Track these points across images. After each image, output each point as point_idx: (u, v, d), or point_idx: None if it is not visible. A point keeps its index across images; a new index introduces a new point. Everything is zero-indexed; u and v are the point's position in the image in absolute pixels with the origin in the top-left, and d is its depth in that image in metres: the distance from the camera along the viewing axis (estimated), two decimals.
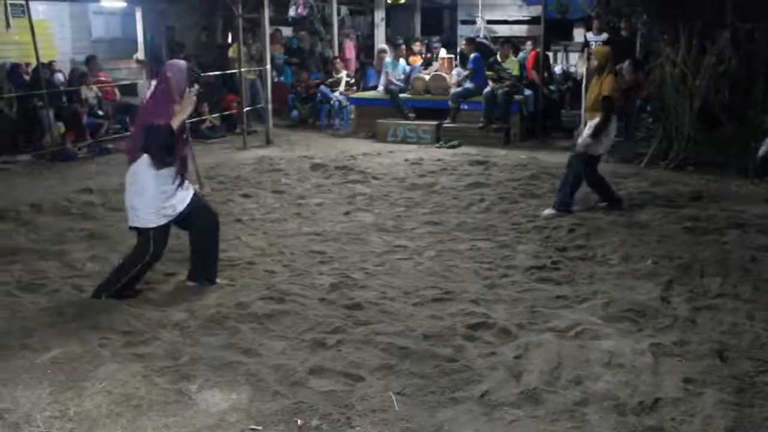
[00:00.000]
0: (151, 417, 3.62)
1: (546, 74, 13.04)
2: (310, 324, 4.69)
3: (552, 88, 13.08)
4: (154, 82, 5.12)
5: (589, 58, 11.51)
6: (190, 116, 11.91)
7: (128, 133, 11.57)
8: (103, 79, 12.40)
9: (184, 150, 5.16)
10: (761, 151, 8.46)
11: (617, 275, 5.58)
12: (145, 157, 4.89)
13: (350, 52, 15.47)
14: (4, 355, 4.24)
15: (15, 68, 11.54)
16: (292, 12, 15.96)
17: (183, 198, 5.11)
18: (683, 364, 4.10)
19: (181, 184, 5.10)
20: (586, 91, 12.04)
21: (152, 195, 4.95)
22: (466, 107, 11.97)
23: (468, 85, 11.96)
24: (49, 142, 10.50)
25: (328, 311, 4.90)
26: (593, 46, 12.98)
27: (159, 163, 4.90)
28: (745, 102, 9.32)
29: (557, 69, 14.69)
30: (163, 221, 5.03)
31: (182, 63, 5.16)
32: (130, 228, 5.11)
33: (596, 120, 7.15)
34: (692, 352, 4.22)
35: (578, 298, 5.13)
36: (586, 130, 7.26)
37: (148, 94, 5.11)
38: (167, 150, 4.91)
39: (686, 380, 3.88)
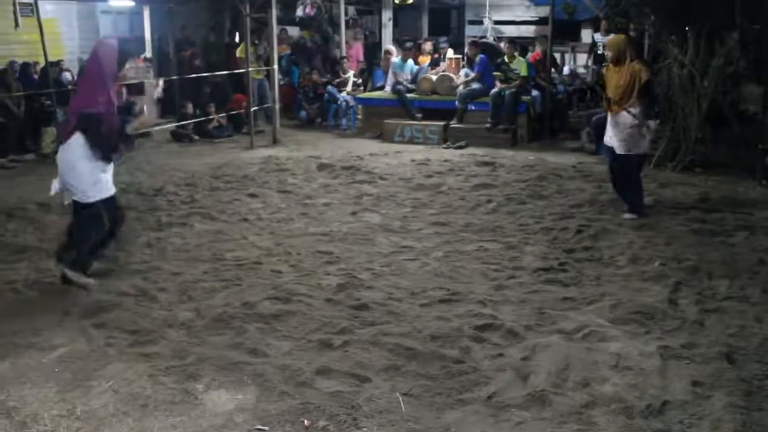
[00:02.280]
0: (158, 416, 3.62)
1: (556, 73, 13.03)
2: (316, 324, 4.68)
3: (560, 88, 13.05)
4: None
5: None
6: (197, 115, 11.89)
7: None
8: None
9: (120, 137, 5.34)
10: None
11: (625, 277, 5.55)
12: (76, 137, 5.06)
13: (357, 52, 15.46)
14: (11, 354, 4.26)
15: (25, 68, 11.58)
16: (299, 12, 15.99)
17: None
18: (691, 366, 4.08)
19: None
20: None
21: (88, 170, 5.13)
22: (473, 108, 11.95)
23: (475, 85, 11.94)
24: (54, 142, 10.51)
25: (335, 312, 4.89)
26: (600, 47, 13.02)
27: (104, 158, 5.14)
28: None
29: (565, 69, 14.68)
30: (102, 195, 5.24)
31: (112, 42, 5.26)
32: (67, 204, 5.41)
33: (636, 110, 6.81)
34: (700, 355, 4.20)
35: (586, 299, 5.11)
36: (630, 124, 6.86)
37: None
38: (109, 145, 5.11)
39: (694, 383, 3.86)
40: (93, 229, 5.32)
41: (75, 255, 5.31)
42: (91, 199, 5.21)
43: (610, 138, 7.14)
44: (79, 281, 5.27)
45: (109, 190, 5.32)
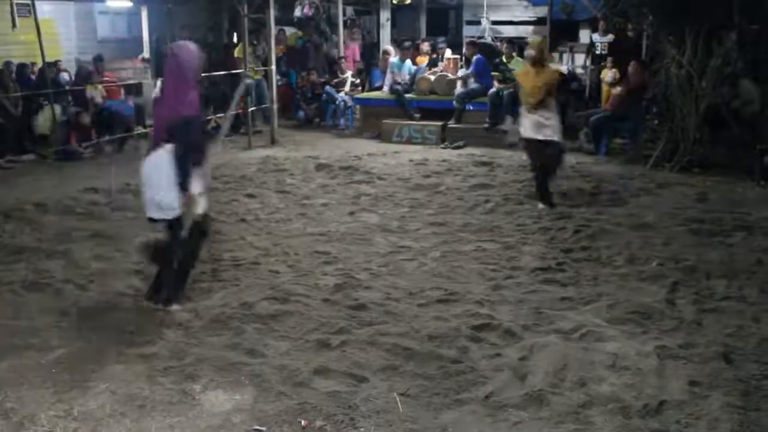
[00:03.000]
0: (155, 417, 3.63)
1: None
2: (314, 324, 4.69)
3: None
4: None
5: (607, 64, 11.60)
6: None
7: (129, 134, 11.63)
8: (107, 78, 12.41)
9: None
10: None
11: (622, 277, 5.56)
12: (167, 147, 4.62)
13: (354, 52, 15.43)
14: (9, 355, 4.26)
15: (22, 68, 11.57)
16: (297, 12, 15.96)
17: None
18: (688, 366, 4.08)
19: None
20: (600, 95, 12.15)
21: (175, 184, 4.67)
22: (471, 108, 11.94)
23: (473, 85, 11.94)
24: (53, 142, 10.51)
25: (333, 312, 4.89)
26: (598, 47, 13.03)
27: (197, 163, 4.69)
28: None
29: (563, 69, 14.66)
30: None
31: (190, 44, 5.00)
32: (153, 221, 4.81)
33: (551, 111, 7.59)
34: (698, 355, 4.21)
35: (583, 299, 5.11)
36: (555, 123, 7.59)
37: (160, 84, 5.13)
38: (201, 148, 4.74)
39: (691, 383, 3.87)
40: (199, 242, 4.98)
41: (176, 284, 4.94)
42: (174, 213, 4.75)
43: (534, 131, 7.65)
44: (178, 307, 4.91)
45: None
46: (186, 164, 4.62)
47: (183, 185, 4.63)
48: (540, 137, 7.60)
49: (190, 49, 4.85)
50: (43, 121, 10.64)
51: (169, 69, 4.81)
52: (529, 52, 7.91)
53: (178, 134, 4.61)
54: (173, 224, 4.76)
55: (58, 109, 10.58)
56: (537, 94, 7.53)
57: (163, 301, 4.90)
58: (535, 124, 7.62)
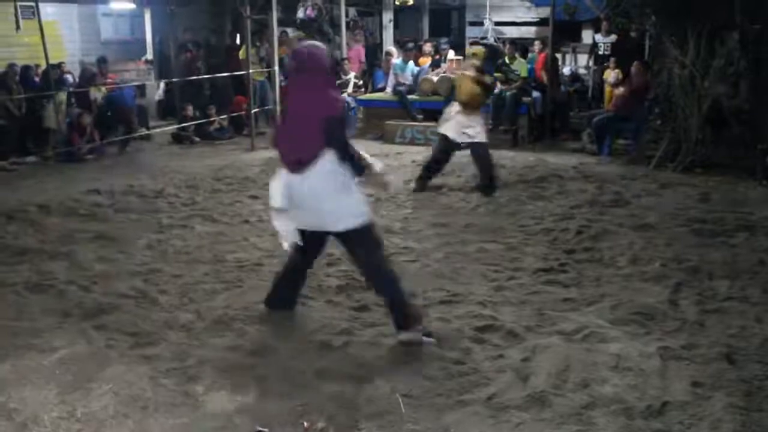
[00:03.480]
0: (158, 419, 3.63)
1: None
2: (317, 326, 4.69)
3: (562, 89, 13.05)
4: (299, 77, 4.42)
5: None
6: (198, 117, 11.85)
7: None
8: (110, 80, 12.44)
9: None
10: None
11: (625, 278, 5.55)
12: (329, 154, 4.26)
13: (359, 53, 15.39)
14: (12, 356, 4.26)
15: (26, 70, 11.59)
16: (300, 14, 15.96)
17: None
18: (691, 367, 4.08)
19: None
20: (603, 95, 12.16)
21: (348, 184, 4.37)
22: None
23: None
24: (56, 143, 10.54)
25: (335, 313, 4.89)
26: (601, 47, 13.02)
27: (347, 157, 4.34)
28: (753, 104, 9.26)
29: (566, 70, 14.66)
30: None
31: (317, 43, 4.63)
32: (339, 235, 4.41)
33: (477, 117, 8.28)
34: (700, 356, 4.20)
35: (586, 300, 5.11)
36: (479, 128, 8.21)
37: (296, 88, 4.43)
38: (347, 143, 4.41)
39: (694, 384, 3.87)
40: (382, 252, 4.59)
41: (398, 306, 4.45)
42: (366, 216, 4.45)
43: (455, 132, 8.21)
44: (417, 339, 4.38)
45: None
46: (354, 157, 4.36)
47: (360, 172, 4.42)
48: (458, 140, 8.20)
49: (320, 47, 4.51)
50: (48, 114, 10.64)
51: (311, 73, 4.34)
52: (474, 61, 8.42)
53: (338, 133, 4.32)
54: (362, 231, 4.38)
55: (63, 96, 10.57)
56: (474, 100, 8.17)
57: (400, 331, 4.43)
58: (458, 125, 8.17)
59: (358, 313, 4.91)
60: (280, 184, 4.37)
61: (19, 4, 12.39)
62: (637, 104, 10.50)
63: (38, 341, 4.45)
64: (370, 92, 14.38)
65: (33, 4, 10.64)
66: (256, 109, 12.21)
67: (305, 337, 4.54)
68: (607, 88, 12.15)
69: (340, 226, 4.33)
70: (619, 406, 3.66)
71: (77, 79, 12.34)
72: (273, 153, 10.69)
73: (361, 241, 4.40)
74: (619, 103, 10.79)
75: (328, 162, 4.26)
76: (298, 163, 4.27)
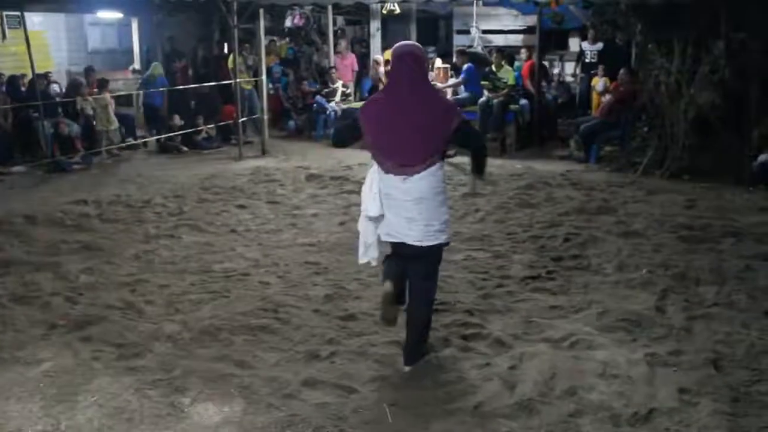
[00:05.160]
0: (144, 430, 3.61)
1: (545, 83, 13.08)
2: (303, 335, 4.68)
3: (549, 96, 13.10)
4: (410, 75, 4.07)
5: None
6: (186, 127, 11.80)
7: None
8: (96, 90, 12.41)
9: None
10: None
11: (612, 285, 5.57)
12: (438, 161, 4.06)
13: (352, 62, 15.35)
14: None
15: (13, 80, 11.54)
16: (288, 22, 15.99)
17: None
18: (678, 373, 4.09)
19: None
20: (590, 103, 12.24)
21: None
22: None
23: (463, 94, 11.97)
24: (43, 154, 10.49)
25: (322, 322, 4.88)
26: (588, 55, 13.08)
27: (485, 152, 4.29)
28: (739, 111, 9.32)
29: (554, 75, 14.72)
30: None
31: (413, 44, 4.33)
32: (428, 249, 4.09)
33: None
34: (687, 362, 4.21)
35: (573, 308, 5.12)
36: None
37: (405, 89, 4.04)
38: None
39: (681, 390, 3.88)
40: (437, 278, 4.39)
41: (425, 330, 4.34)
42: (450, 233, 4.26)
43: None
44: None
45: None
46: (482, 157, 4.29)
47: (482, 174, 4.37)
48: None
49: (418, 46, 4.22)
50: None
51: (414, 72, 4.07)
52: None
53: (474, 134, 4.29)
54: (441, 249, 4.20)
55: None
56: None
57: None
58: None
59: (344, 322, 4.90)
60: (375, 192, 4.16)
61: (5, 13, 12.38)
62: (624, 111, 10.55)
63: (23, 353, 4.43)
64: (358, 101, 14.39)
65: (19, 13, 10.59)
66: (243, 119, 12.19)
67: (292, 347, 4.52)
68: (595, 96, 12.20)
69: (428, 242, 4.05)
70: (606, 413, 3.67)
71: (64, 90, 12.29)
72: (261, 162, 10.71)
73: (436, 259, 4.21)
74: (606, 110, 10.84)
75: (434, 170, 4.03)
76: (403, 167, 4.01)
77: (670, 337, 4.60)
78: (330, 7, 14.80)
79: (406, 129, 3.99)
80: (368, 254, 4.31)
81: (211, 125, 12.69)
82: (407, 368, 4.21)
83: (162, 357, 4.38)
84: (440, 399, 3.87)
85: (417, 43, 4.31)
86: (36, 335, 4.70)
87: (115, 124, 11.62)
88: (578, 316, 4.94)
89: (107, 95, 11.61)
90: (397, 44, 4.21)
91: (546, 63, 13.86)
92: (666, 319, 4.89)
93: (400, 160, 4.01)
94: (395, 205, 4.07)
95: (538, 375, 4.04)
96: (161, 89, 12.52)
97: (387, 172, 4.06)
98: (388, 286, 4.14)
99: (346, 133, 4.39)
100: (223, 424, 3.66)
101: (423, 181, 4.00)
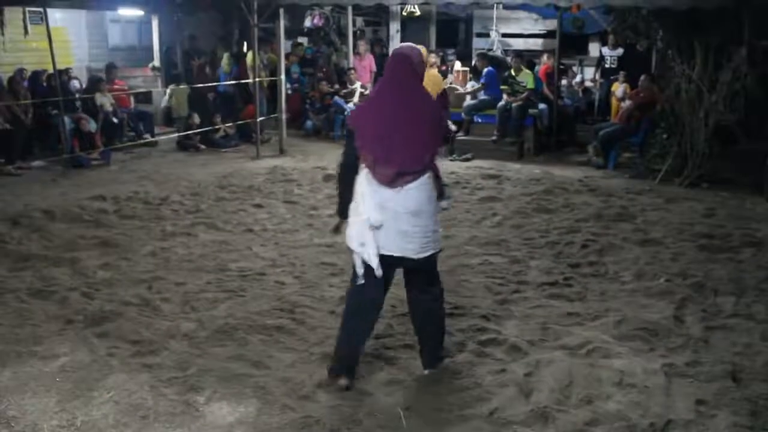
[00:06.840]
0: (158, 428, 3.61)
1: (562, 85, 13.01)
2: (319, 337, 4.67)
3: (568, 101, 13.03)
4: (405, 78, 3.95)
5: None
6: (204, 125, 11.82)
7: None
8: (117, 87, 12.48)
9: None
10: None
11: (630, 293, 5.52)
12: (426, 173, 3.93)
13: (370, 63, 15.32)
14: (12, 363, 4.26)
15: (35, 75, 11.63)
16: (307, 22, 16.01)
17: None
18: (696, 385, 4.05)
19: None
20: (609, 108, 12.18)
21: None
22: (479, 120, 11.95)
23: (483, 97, 11.94)
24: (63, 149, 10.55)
25: (337, 323, 4.85)
26: (608, 60, 13.01)
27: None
28: (761, 119, 9.25)
29: (577, 79, 14.63)
30: None
31: (410, 45, 4.13)
32: (426, 260, 4.03)
33: None
34: (705, 373, 4.17)
35: (590, 315, 5.08)
36: None
37: (404, 89, 3.91)
38: None
39: (698, 402, 3.83)
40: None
41: (443, 335, 4.32)
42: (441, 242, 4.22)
43: None
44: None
45: None
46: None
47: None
48: None
49: (415, 48, 4.06)
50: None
51: (405, 76, 3.95)
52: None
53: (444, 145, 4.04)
54: (437, 258, 4.17)
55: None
56: None
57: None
58: None
59: None
60: (371, 199, 3.88)
61: (27, 9, 12.47)
62: (644, 118, 10.48)
63: (39, 348, 4.45)
64: None
65: (41, 9, 10.66)
66: (261, 118, 12.20)
67: (307, 348, 4.52)
68: (614, 101, 12.13)
69: (426, 252, 3.97)
70: (623, 423, 3.63)
71: (83, 85, 12.36)
72: (278, 162, 10.72)
73: (435, 265, 4.16)
74: (625, 117, 10.78)
75: (425, 179, 3.91)
76: (396, 176, 3.84)
77: (687, 348, 4.55)
78: (350, 8, 14.80)
79: (397, 133, 3.82)
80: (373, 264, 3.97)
81: (229, 124, 12.72)
82: (426, 372, 4.19)
83: (178, 355, 4.38)
84: (455, 404, 3.85)
85: (416, 46, 4.11)
86: (53, 330, 4.72)
87: None
88: (595, 324, 4.90)
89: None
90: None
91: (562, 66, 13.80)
92: (684, 329, 4.84)
93: (394, 167, 3.83)
94: (390, 217, 3.86)
95: (554, 382, 4.02)
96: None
97: (380, 182, 3.85)
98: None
99: (352, 156, 4.04)
100: (237, 424, 3.66)
101: (418, 191, 3.88)
